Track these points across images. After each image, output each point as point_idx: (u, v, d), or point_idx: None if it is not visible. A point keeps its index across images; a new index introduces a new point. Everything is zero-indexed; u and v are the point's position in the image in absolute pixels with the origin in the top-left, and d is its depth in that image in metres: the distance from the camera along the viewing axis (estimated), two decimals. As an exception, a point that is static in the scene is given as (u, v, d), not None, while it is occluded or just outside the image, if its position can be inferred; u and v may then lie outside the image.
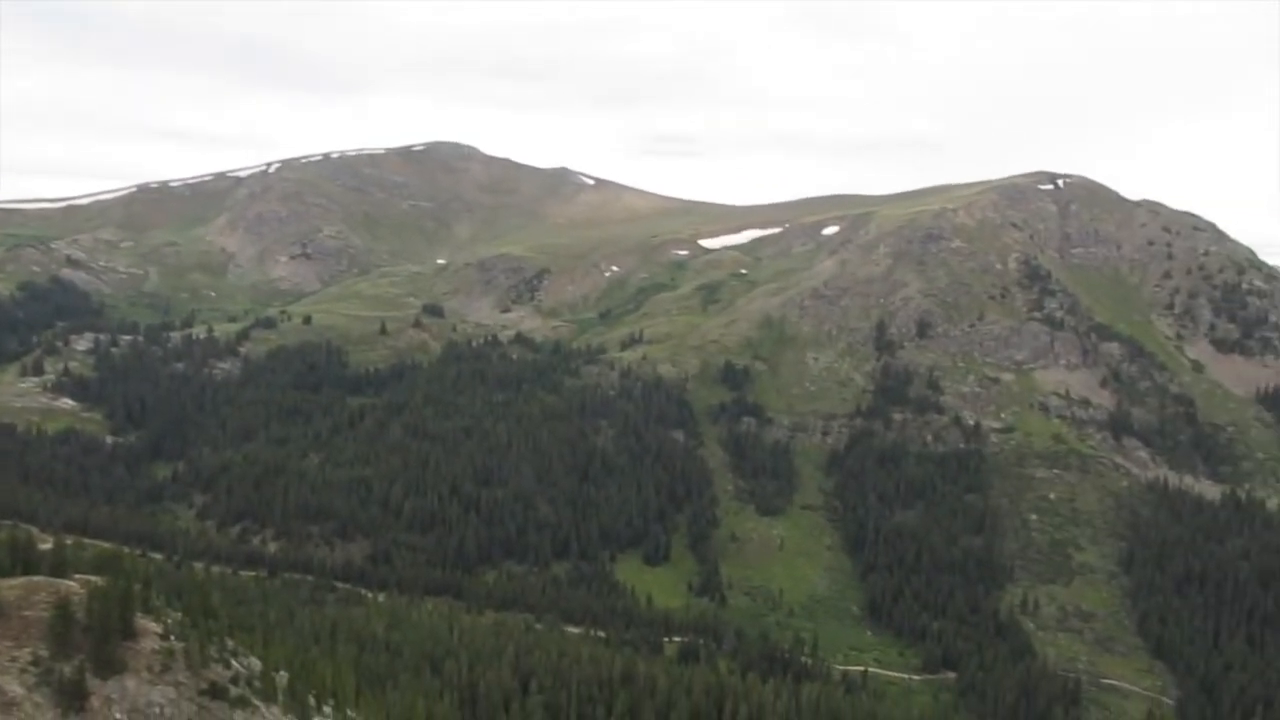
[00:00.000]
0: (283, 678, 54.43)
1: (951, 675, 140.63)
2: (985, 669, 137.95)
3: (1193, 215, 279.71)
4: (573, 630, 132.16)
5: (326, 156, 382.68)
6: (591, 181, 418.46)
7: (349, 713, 59.21)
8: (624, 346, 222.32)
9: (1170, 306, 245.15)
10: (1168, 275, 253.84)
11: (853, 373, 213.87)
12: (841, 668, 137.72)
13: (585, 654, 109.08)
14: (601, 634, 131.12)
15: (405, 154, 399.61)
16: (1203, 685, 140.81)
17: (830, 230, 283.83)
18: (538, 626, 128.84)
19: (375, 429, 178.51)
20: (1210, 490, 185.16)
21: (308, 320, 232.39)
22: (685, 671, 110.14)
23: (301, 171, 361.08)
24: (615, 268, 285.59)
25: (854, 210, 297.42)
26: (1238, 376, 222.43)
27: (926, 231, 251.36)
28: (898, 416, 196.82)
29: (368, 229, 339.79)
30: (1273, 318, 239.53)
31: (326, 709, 55.83)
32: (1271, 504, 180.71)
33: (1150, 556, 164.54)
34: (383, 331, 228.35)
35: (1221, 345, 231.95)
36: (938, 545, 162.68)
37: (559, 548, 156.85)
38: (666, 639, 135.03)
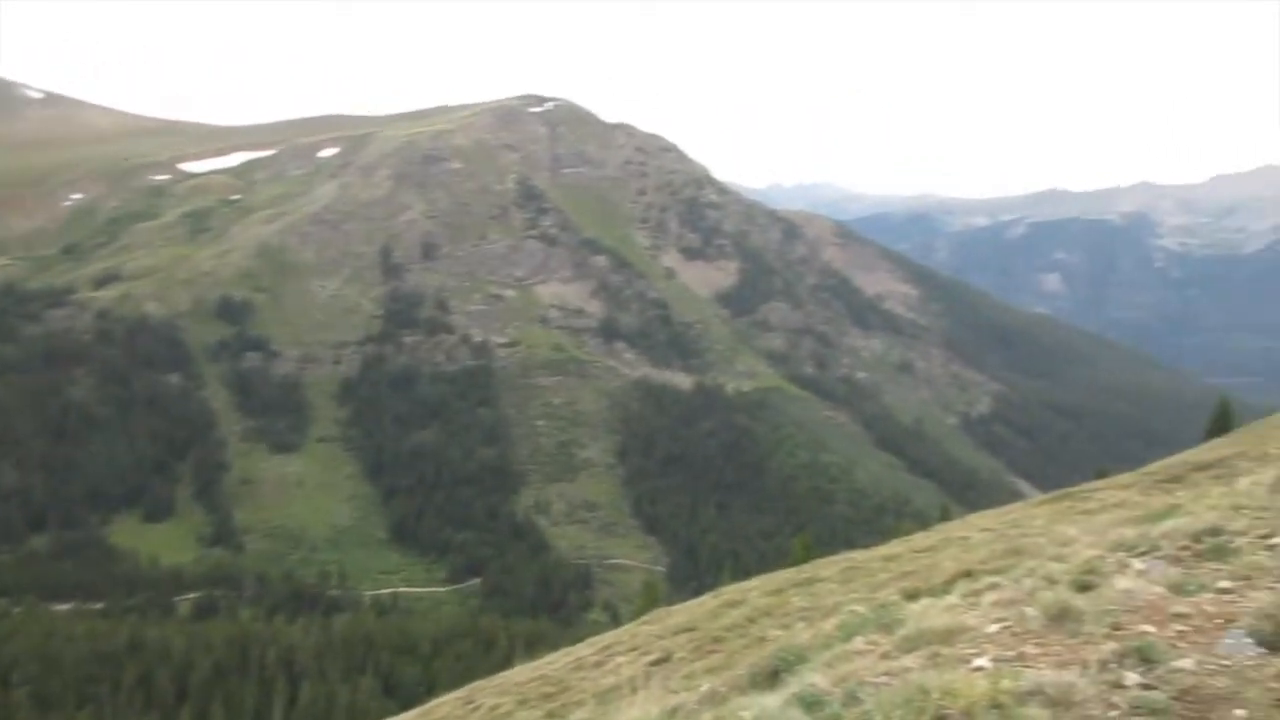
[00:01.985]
0: None
1: (477, 581, 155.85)
2: (507, 570, 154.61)
3: (659, 137, 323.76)
4: (62, 608, 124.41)
5: None
6: (39, 95, 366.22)
7: None
8: (98, 285, 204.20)
9: (646, 220, 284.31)
10: (643, 192, 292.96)
11: (360, 299, 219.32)
12: (371, 593, 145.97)
13: (80, 631, 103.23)
14: (99, 606, 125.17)
15: None
16: (686, 551, 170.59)
17: (328, 152, 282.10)
18: (16, 611, 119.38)
19: None
20: (684, 381, 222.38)
21: None
22: (203, 628, 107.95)
23: None
24: (78, 195, 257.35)
25: (352, 132, 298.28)
26: (701, 279, 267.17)
27: (426, 153, 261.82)
28: (409, 339, 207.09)
29: None
30: (725, 227, 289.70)
31: None
32: (730, 388, 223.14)
33: (639, 446, 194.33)
34: None
35: (687, 253, 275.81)
36: (455, 460, 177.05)
37: (34, 519, 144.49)
38: (178, 598, 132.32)
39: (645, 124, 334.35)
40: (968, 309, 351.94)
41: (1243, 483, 9.64)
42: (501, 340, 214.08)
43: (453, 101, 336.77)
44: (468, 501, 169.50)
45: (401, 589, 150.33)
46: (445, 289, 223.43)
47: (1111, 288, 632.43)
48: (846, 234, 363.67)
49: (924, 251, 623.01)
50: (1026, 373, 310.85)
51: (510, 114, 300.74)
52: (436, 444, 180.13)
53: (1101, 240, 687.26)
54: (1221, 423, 60.57)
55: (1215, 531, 7.44)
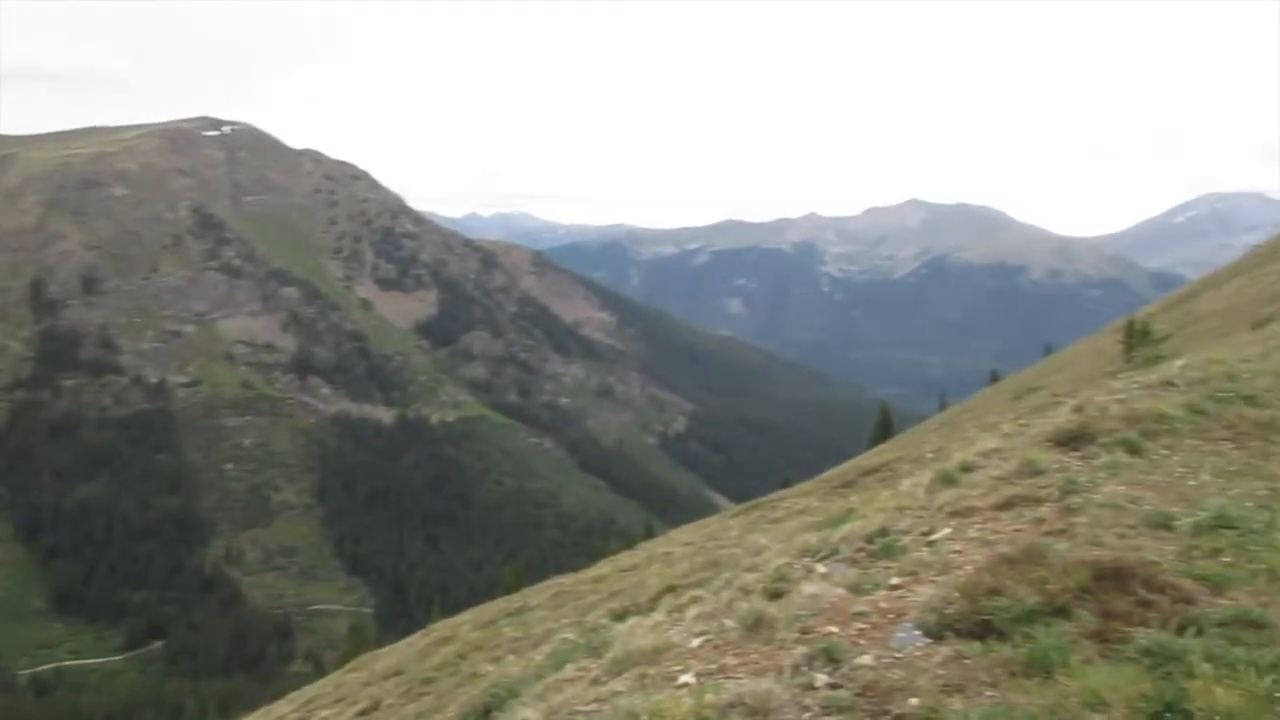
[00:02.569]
0: None
1: (160, 644, 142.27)
2: (195, 627, 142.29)
3: (350, 165, 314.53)
4: None
5: None
6: None
7: None
8: None
9: (339, 250, 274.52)
10: (334, 221, 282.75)
11: (7, 339, 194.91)
12: (28, 671, 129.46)
13: None
14: None
15: None
16: (394, 589, 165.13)
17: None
18: None
19: None
20: (385, 415, 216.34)
21: None
22: None
23: None
24: None
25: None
26: (399, 310, 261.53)
27: (83, 177, 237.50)
28: (69, 383, 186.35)
29: None
30: (422, 256, 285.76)
31: None
32: (434, 419, 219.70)
33: (340, 484, 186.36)
34: None
35: (384, 283, 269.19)
36: (130, 513, 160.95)
37: None
38: None
39: (335, 151, 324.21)
40: (661, 333, 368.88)
41: (904, 484, 10.40)
42: (181, 380, 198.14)
43: (109, 123, 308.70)
44: (146, 557, 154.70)
45: (67, 662, 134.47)
46: (111, 326, 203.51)
47: (787, 311, 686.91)
48: (543, 263, 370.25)
49: (618, 279, 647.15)
50: (717, 392, 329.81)
51: (182, 137, 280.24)
52: (106, 496, 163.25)
53: (776, 267, 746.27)
54: (884, 429, 67.36)
55: (884, 532, 8.04)
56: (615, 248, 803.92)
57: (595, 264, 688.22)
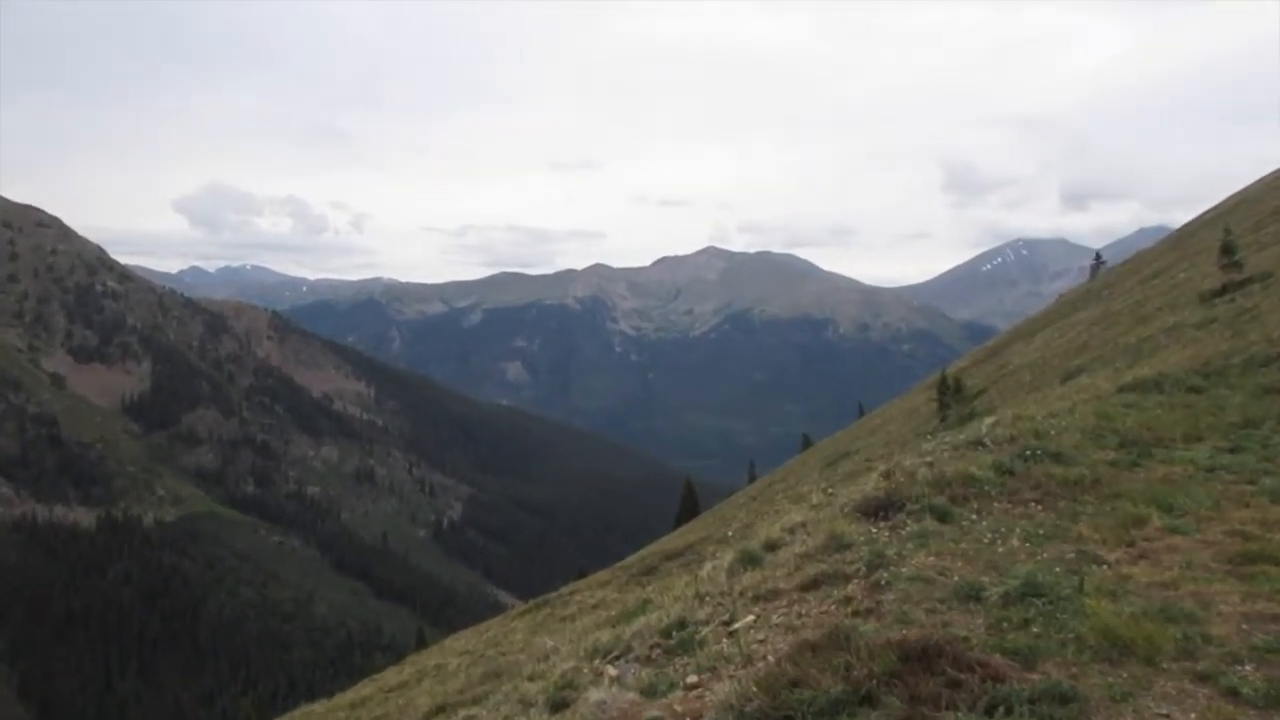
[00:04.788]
0: None
1: None
2: None
3: (35, 209, 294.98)
4: None
5: None
6: None
7: None
8: None
9: (20, 315, 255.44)
10: (14, 278, 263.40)
11: None
12: None
13: None
14: None
15: None
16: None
17: None
18: None
19: None
20: (85, 517, 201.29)
21: None
22: None
23: None
24: None
25: None
26: (101, 387, 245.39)
27: None
28: None
29: None
30: (130, 320, 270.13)
31: None
32: (148, 519, 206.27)
33: (24, 608, 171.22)
34: None
35: (80, 354, 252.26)
36: None
37: None
38: None
39: (13, 192, 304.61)
40: (429, 404, 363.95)
41: (706, 568, 10.70)
42: None
43: None
44: None
45: None
46: None
47: (574, 374, 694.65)
48: (285, 326, 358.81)
49: (376, 343, 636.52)
50: (495, 471, 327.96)
51: None
52: None
53: (560, 326, 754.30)
54: (689, 507, 68.94)
55: (682, 624, 8.32)
56: (371, 306, 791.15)
57: (348, 326, 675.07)
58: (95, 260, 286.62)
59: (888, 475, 11.46)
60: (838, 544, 9.19)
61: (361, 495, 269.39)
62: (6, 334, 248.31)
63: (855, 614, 7.37)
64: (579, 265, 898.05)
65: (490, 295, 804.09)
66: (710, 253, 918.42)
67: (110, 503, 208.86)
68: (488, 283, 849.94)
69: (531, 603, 33.78)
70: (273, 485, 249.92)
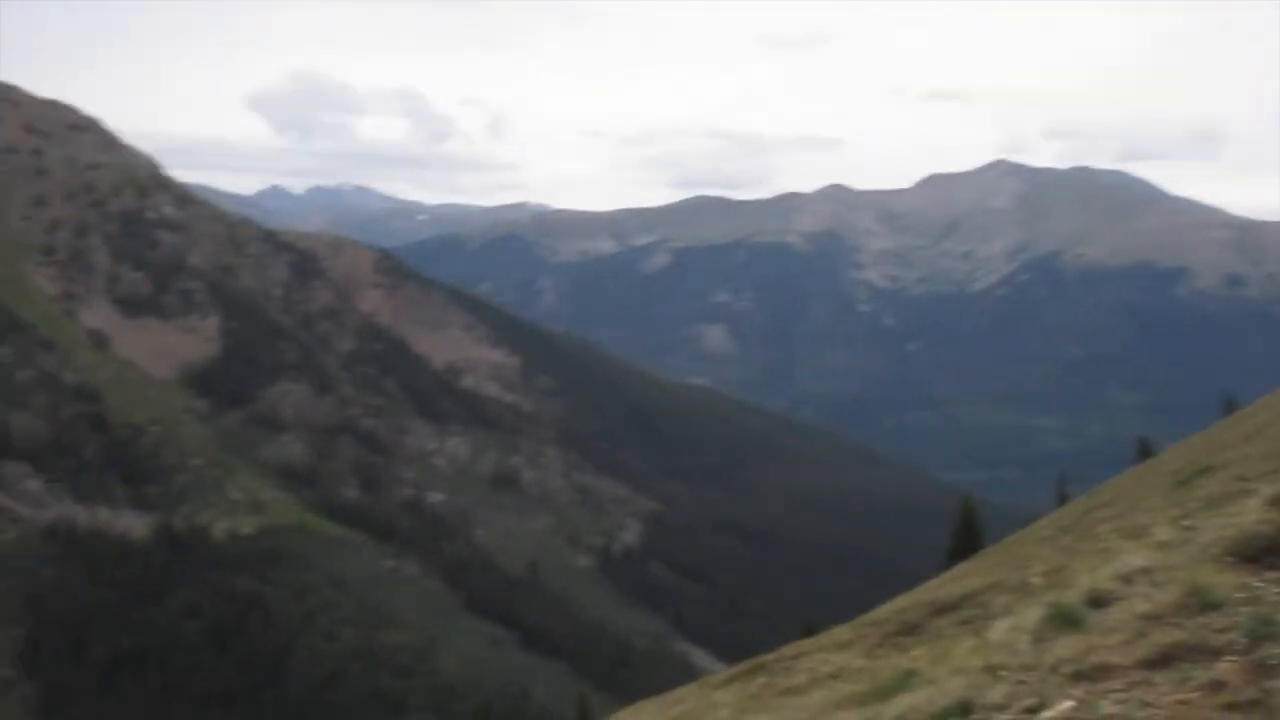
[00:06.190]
0: None
1: None
2: None
3: (68, 108, 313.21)
4: None
5: None
6: None
7: None
8: None
9: (50, 250, 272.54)
10: (41, 201, 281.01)
11: None
12: None
13: None
14: None
15: None
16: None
17: None
18: None
19: None
20: (137, 525, 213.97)
21: None
22: None
23: None
24: None
25: None
26: (155, 349, 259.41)
27: None
28: None
29: None
30: (192, 259, 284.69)
31: None
32: (219, 531, 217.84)
33: (60, 642, 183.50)
34: None
35: (128, 305, 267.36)
36: None
37: None
38: None
39: (43, 86, 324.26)
40: (594, 382, 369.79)
41: (998, 629, 10.80)
42: None
43: None
44: None
45: None
46: None
47: (799, 343, 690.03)
48: (397, 269, 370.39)
49: (521, 294, 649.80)
50: (687, 478, 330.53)
51: None
52: None
53: (780, 273, 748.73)
54: (967, 537, 69.06)
55: (965, 708, 8.44)
56: (514, 243, 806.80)
57: (482, 270, 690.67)
58: (147, 178, 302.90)
59: (1277, 503, 11.29)
60: (1201, 602, 8.89)
61: (502, 507, 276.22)
62: (34, 276, 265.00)
63: (1231, 708, 7.20)
64: (807, 187, 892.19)
65: (681, 229, 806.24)
66: (1000, 169, 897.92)
67: (169, 507, 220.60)
68: (677, 211, 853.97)
69: (741, 667, 33.60)
70: (382, 489, 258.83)
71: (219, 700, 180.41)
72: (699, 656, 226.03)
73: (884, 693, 10.22)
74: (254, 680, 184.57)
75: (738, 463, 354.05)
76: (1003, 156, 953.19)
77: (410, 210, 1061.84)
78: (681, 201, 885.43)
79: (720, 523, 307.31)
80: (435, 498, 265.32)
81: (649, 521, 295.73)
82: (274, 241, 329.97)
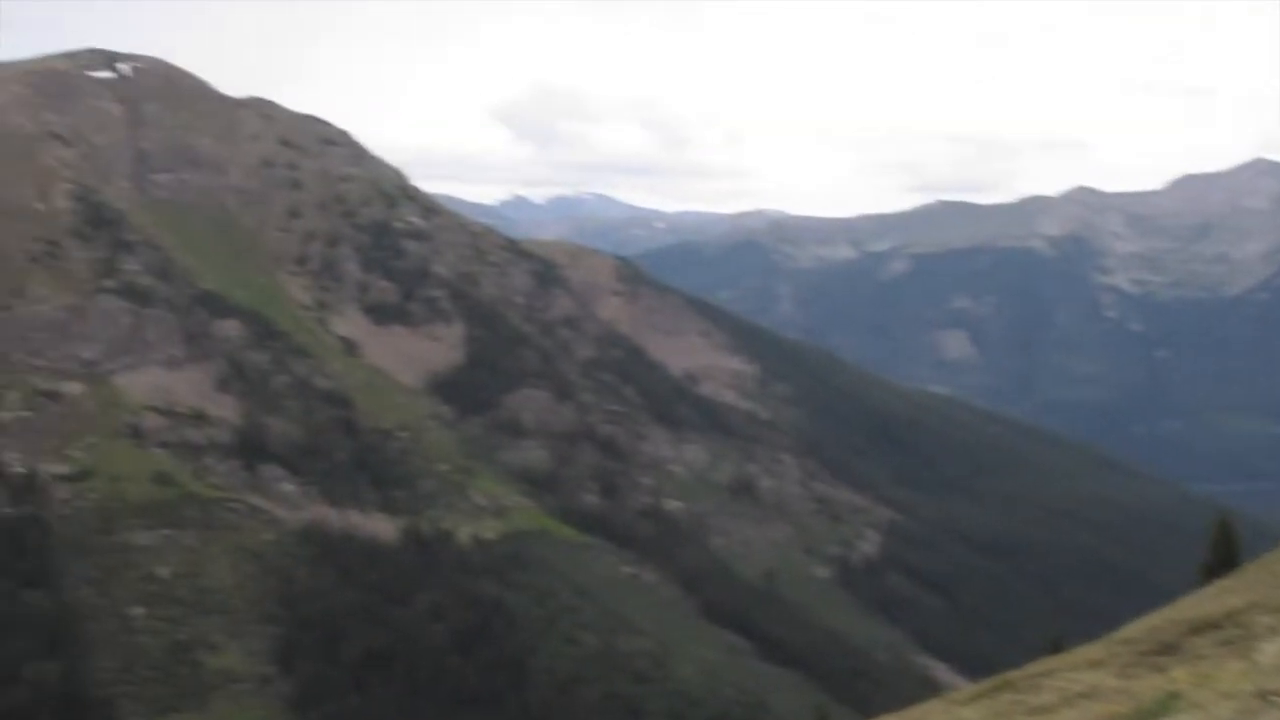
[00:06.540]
0: None
1: None
2: None
3: (321, 122, 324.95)
4: None
5: None
6: None
7: None
8: None
9: (304, 260, 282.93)
10: (295, 213, 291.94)
11: None
12: None
13: None
14: None
15: None
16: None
17: None
18: None
19: None
20: (386, 528, 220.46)
21: None
22: None
23: None
24: None
25: None
26: (402, 356, 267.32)
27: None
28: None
29: None
30: (437, 268, 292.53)
31: None
32: (463, 535, 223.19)
33: (314, 641, 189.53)
34: None
35: (377, 313, 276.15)
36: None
37: None
38: None
39: (296, 101, 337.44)
40: (832, 390, 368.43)
41: (1267, 652, 10.63)
42: (61, 470, 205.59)
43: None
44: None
45: None
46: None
47: (1044, 350, 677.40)
48: (636, 277, 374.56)
49: (758, 301, 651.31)
50: (928, 489, 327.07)
51: (58, 83, 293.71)
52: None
53: (1023, 278, 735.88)
54: (1224, 553, 66.93)
55: None
56: (751, 250, 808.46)
57: (719, 278, 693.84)
58: (395, 189, 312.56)
59: None
60: None
61: (739, 515, 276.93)
62: (289, 285, 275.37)
63: None
64: (1051, 190, 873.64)
65: (920, 234, 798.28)
66: (1258, 168, 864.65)
67: (415, 511, 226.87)
68: (917, 216, 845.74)
69: (986, 683, 33.02)
70: (620, 496, 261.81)
71: (464, 702, 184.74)
72: (940, 670, 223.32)
73: (1145, 715, 10.18)
74: (496, 683, 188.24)
75: (979, 472, 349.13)
76: (1260, 155, 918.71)
77: (649, 218, 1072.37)
78: (921, 206, 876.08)
79: (961, 533, 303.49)
80: (673, 504, 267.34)
81: (888, 532, 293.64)
82: (516, 250, 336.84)
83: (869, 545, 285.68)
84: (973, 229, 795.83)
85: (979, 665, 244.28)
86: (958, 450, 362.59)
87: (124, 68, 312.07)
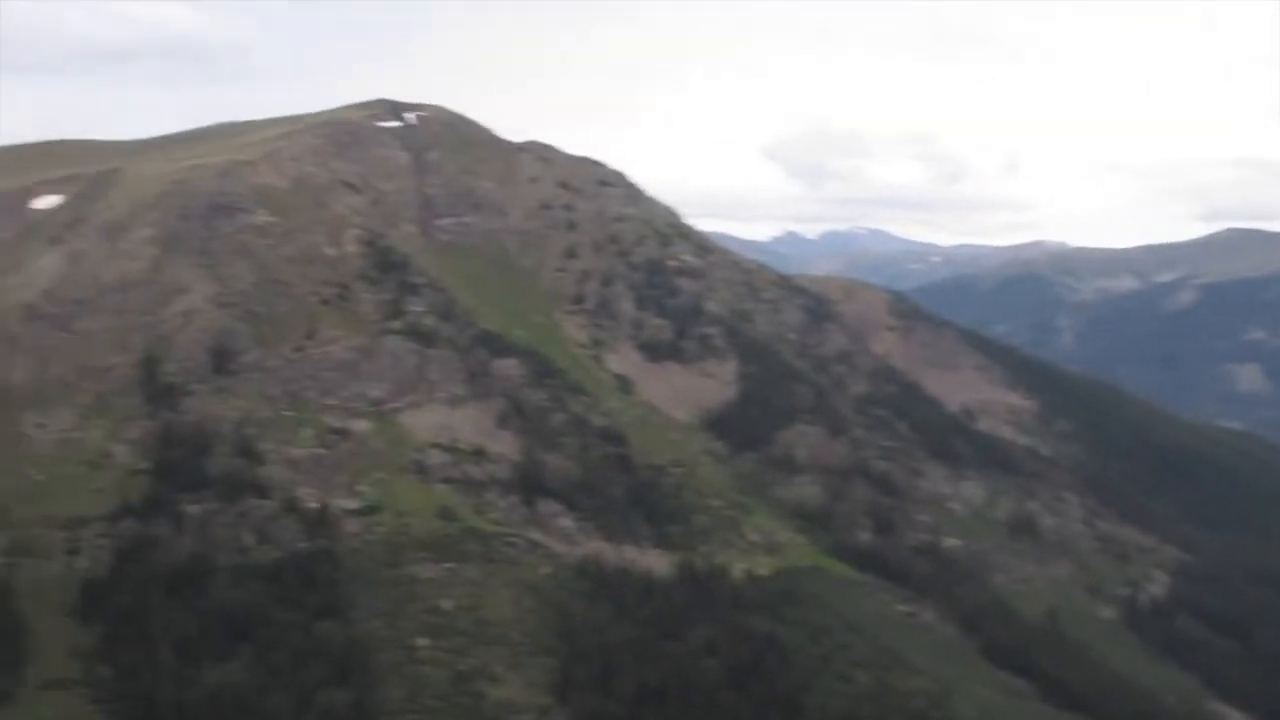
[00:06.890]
0: None
1: None
2: None
3: (596, 163, 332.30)
4: None
5: None
6: None
7: None
8: None
9: (580, 300, 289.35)
10: (572, 253, 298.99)
11: (110, 442, 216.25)
12: None
13: None
14: None
15: None
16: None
17: (48, 202, 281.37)
18: None
19: None
20: (660, 563, 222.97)
21: None
22: None
23: None
24: None
25: (85, 167, 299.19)
26: (675, 393, 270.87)
27: (211, 200, 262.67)
28: (193, 509, 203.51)
29: None
30: (710, 305, 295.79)
31: None
32: (737, 571, 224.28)
33: (591, 674, 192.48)
34: None
35: (651, 350, 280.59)
36: (282, 710, 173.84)
37: None
38: None
39: (572, 144, 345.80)
40: (1116, 425, 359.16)
41: None
42: (351, 505, 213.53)
43: (241, 116, 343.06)
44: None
45: None
46: (251, 422, 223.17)
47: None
48: (910, 312, 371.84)
49: (1037, 335, 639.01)
50: (1218, 527, 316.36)
51: (350, 132, 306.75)
52: (249, 683, 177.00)
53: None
54: None
55: None
56: (1029, 283, 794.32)
57: (997, 311, 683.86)
58: (668, 228, 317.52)
59: None
60: None
61: (1020, 553, 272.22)
62: (566, 324, 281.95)
63: None
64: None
65: (1208, 264, 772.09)
66: None
67: (689, 546, 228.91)
68: (1204, 245, 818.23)
69: None
70: (896, 532, 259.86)
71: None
72: (1234, 718, 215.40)
73: None
74: (773, 716, 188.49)
75: (1275, 510, 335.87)
76: None
77: (924, 252, 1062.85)
78: (1208, 235, 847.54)
79: (1256, 574, 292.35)
80: (950, 542, 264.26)
81: (1177, 572, 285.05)
82: (788, 286, 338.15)
83: (1157, 586, 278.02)
84: (1266, 256, 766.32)
85: (1278, 711, 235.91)
86: (1251, 486, 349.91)
87: (410, 117, 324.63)
